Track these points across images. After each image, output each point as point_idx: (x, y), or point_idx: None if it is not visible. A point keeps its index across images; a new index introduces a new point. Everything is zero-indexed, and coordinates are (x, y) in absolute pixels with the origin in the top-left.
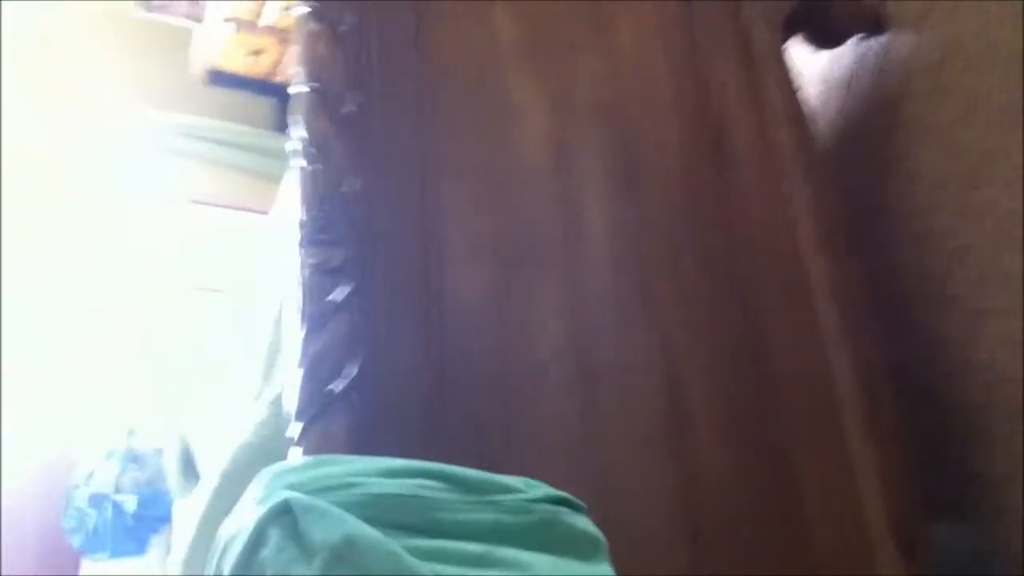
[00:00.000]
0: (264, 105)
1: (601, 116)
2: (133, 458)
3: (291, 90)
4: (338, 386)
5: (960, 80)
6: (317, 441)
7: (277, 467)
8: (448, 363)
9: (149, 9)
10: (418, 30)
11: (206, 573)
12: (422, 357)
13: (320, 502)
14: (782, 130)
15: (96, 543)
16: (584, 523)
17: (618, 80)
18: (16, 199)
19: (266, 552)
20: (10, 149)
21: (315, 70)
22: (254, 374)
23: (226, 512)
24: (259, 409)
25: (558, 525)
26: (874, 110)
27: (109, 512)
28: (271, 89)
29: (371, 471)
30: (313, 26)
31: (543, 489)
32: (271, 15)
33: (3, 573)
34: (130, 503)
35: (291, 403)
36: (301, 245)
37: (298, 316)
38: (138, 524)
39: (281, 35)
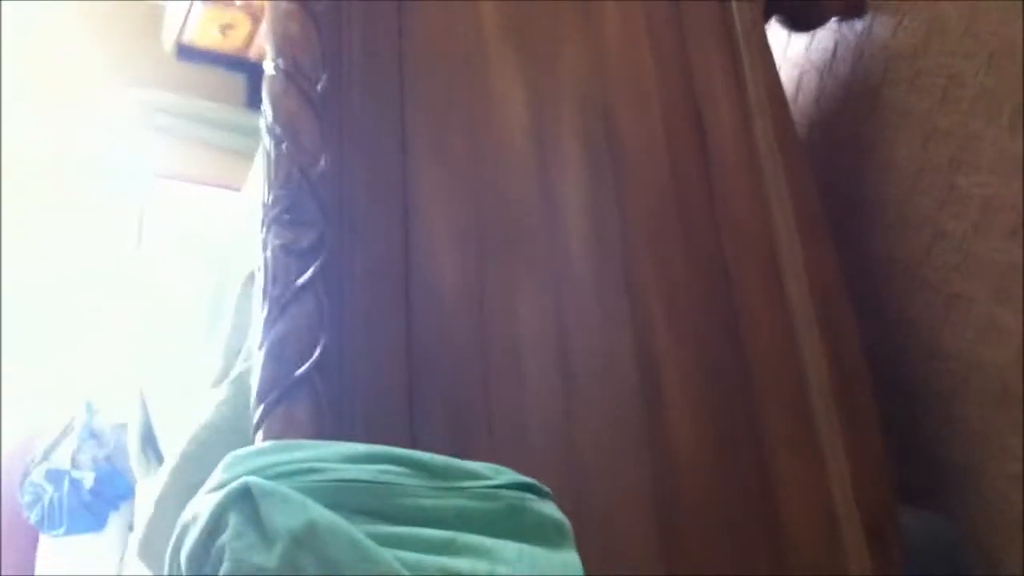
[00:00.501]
0: (237, 81)
1: (584, 104)
2: (92, 434)
3: (266, 66)
4: (302, 370)
5: (940, 65)
6: (279, 425)
7: (238, 452)
8: (422, 348)
9: None
10: (400, 12)
11: (165, 555)
12: (394, 342)
13: (281, 487)
14: (762, 117)
15: (53, 519)
16: (550, 509)
17: (602, 68)
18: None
19: (224, 537)
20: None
21: (286, 48)
22: (217, 353)
23: (184, 492)
24: (220, 389)
25: (524, 512)
26: (852, 95)
27: (66, 488)
28: (243, 65)
29: (334, 456)
30: (286, 3)
31: (509, 475)
32: None
33: None
34: (88, 479)
35: (254, 386)
36: (266, 225)
37: (262, 297)
38: (95, 500)
39: (253, 10)
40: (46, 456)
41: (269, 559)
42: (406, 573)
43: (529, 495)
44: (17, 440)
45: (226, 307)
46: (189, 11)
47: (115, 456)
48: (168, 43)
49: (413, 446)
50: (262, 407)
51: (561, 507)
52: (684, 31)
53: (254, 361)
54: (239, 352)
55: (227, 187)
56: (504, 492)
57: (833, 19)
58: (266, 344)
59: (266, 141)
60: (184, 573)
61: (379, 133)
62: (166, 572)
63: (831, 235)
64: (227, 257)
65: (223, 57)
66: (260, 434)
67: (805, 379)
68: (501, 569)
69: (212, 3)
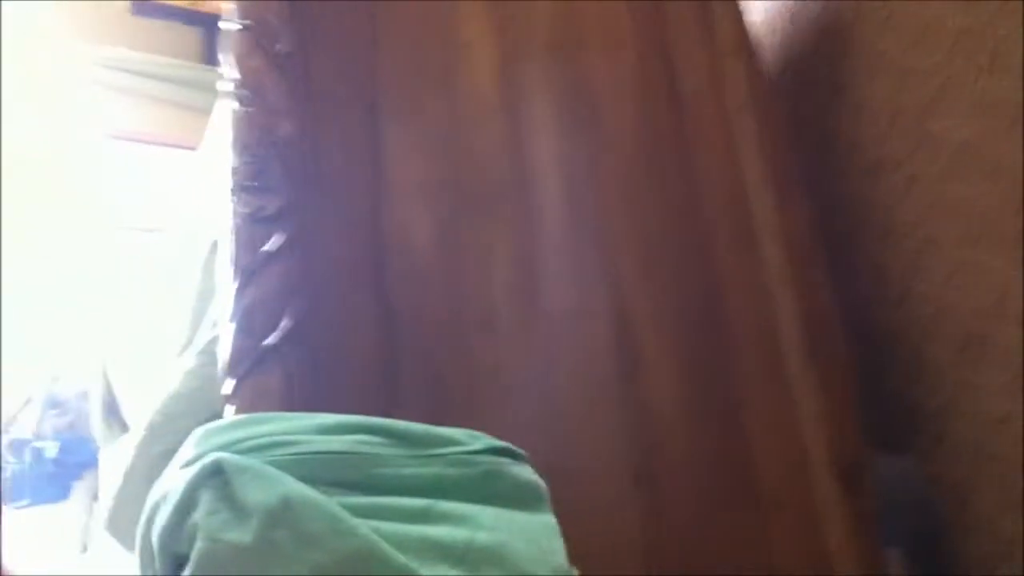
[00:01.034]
0: (191, 35)
1: (554, 54)
2: (53, 403)
3: (222, 26)
4: (272, 340)
5: (915, 5)
6: (250, 397)
7: (209, 426)
8: (395, 312)
9: None
10: None
11: (134, 529)
12: (367, 306)
13: (254, 462)
14: (734, 64)
15: (16, 490)
16: (527, 473)
17: (574, 17)
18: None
19: (197, 515)
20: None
21: (249, 6)
22: (182, 322)
23: (152, 463)
24: (187, 358)
25: (501, 476)
26: (823, 37)
27: (28, 459)
28: (198, 19)
29: (307, 428)
30: None
31: (485, 440)
32: None
33: None
34: (50, 449)
35: (224, 358)
36: (232, 192)
37: (230, 267)
38: (59, 470)
39: None
40: (6, 428)
41: (244, 535)
42: (383, 544)
43: (505, 459)
44: None
45: (188, 272)
46: None
47: (78, 423)
48: None
49: (390, 412)
50: (232, 379)
51: (539, 464)
52: None
53: (222, 331)
54: (204, 320)
55: (182, 146)
56: (480, 457)
57: None
58: (235, 314)
59: (231, 103)
60: (157, 551)
61: (343, 90)
62: (137, 550)
63: (803, 182)
64: (187, 221)
65: (180, 12)
66: (231, 407)
67: (777, 328)
68: (480, 535)
69: None
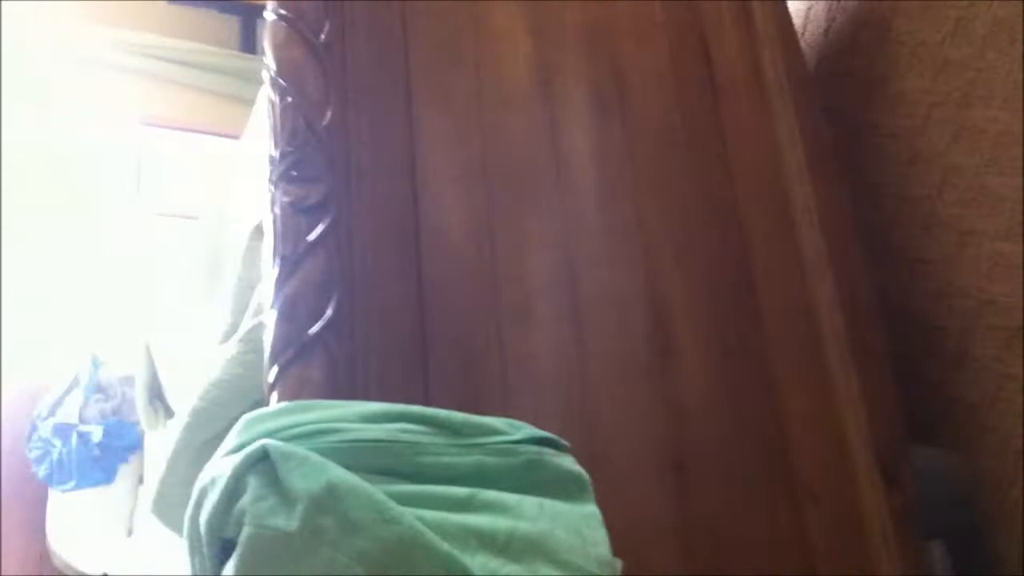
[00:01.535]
0: (228, 23)
1: (589, 42)
2: (98, 388)
3: (267, 15)
4: (316, 329)
5: None
6: (294, 386)
7: (254, 413)
8: (433, 300)
9: None
10: None
11: (180, 513)
12: (406, 294)
13: (299, 449)
14: (771, 51)
15: (62, 473)
16: (568, 463)
17: (607, 5)
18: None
19: (244, 501)
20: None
21: None
22: (223, 309)
23: (196, 449)
24: (230, 346)
25: (543, 466)
26: (861, 28)
27: (74, 442)
28: (235, 6)
29: (351, 416)
30: None
31: (527, 430)
32: None
33: None
34: (95, 433)
35: (267, 346)
36: (273, 182)
37: (272, 256)
38: (104, 454)
39: None
40: (52, 411)
41: (290, 521)
42: (428, 532)
43: (547, 449)
44: (21, 395)
45: (226, 259)
46: None
47: (122, 409)
48: None
49: (427, 401)
50: (276, 367)
51: (573, 452)
52: None
53: (266, 320)
54: (247, 307)
55: (221, 135)
56: (522, 447)
57: None
58: (278, 303)
59: (271, 93)
60: (205, 535)
61: (383, 80)
62: (186, 534)
63: (842, 173)
64: (223, 208)
65: None
66: (275, 395)
67: (817, 319)
68: (522, 524)
69: None
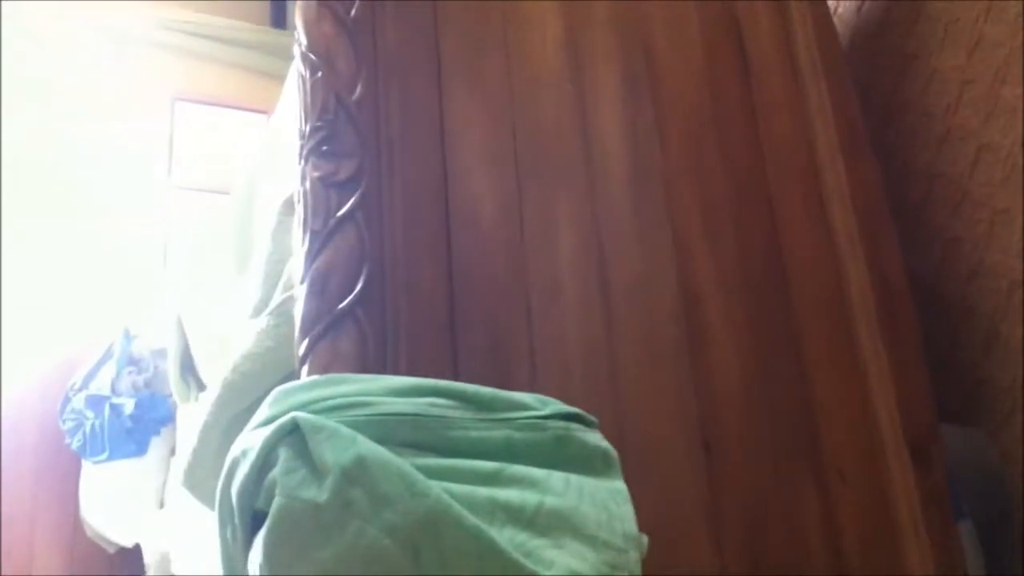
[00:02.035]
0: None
1: (619, 24)
2: (130, 361)
3: None
4: (345, 303)
5: None
6: (325, 359)
7: (285, 386)
8: (462, 277)
9: None
10: None
11: (211, 484)
12: (435, 270)
13: (329, 422)
14: (803, 30)
15: (95, 445)
16: (596, 439)
17: None
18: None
19: (275, 472)
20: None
21: None
22: (254, 283)
23: (228, 422)
24: (260, 319)
25: (571, 441)
26: (895, 3)
27: (107, 414)
28: None
29: (380, 390)
30: None
31: (555, 405)
32: None
33: (2, 475)
34: (128, 405)
35: (297, 320)
36: (303, 157)
37: (302, 230)
38: (136, 426)
39: None
40: (85, 384)
41: (320, 493)
42: (456, 505)
43: (575, 425)
44: (56, 367)
45: (256, 234)
46: None
47: (154, 381)
48: None
49: (455, 376)
50: (307, 341)
51: (604, 434)
52: None
53: (297, 294)
54: (277, 281)
55: (253, 110)
56: (550, 422)
57: None
58: (308, 277)
59: (301, 68)
60: (236, 507)
61: (414, 58)
62: (217, 505)
63: (873, 151)
64: (254, 183)
65: None
66: (306, 368)
67: (848, 300)
68: (549, 499)
69: None
